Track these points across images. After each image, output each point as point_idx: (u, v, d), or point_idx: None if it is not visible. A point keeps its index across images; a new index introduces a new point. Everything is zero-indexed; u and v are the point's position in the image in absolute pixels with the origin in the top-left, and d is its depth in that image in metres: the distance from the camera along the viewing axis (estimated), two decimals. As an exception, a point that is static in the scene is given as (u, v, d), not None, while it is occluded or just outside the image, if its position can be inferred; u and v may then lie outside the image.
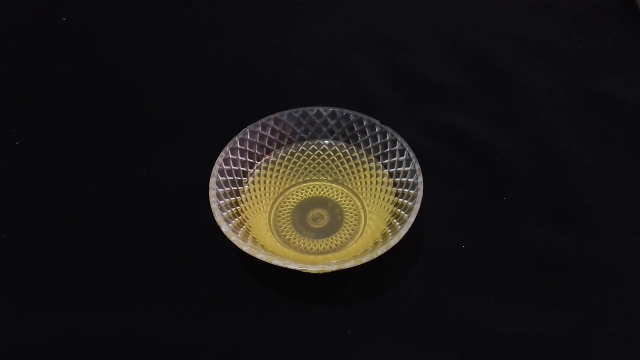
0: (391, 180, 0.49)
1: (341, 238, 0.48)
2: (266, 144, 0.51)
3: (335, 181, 0.51)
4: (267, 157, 0.51)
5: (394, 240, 0.43)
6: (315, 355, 0.43)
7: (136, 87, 0.60)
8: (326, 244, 0.48)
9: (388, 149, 0.49)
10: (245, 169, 0.49)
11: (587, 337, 0.44)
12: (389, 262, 0.45)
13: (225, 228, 0.43)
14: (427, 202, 0.47)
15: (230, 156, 0.48)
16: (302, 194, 0.51)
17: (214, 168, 0.47)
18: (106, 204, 0.51)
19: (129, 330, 0.44)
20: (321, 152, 0.52)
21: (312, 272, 0.44)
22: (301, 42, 0.64)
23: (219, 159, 0.47)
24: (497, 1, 0.68)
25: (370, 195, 0.50)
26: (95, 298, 0.46)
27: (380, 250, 0.42)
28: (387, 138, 0.49)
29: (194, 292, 0.46)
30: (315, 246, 0.48)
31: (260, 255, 0.42)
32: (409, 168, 0.47)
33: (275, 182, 0.51)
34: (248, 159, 0.50)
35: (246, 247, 0.42)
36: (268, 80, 0.60)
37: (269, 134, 0.51)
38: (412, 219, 0.44)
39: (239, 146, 0.49)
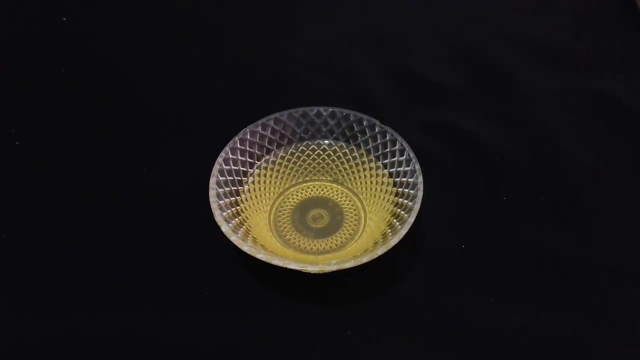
0: (391, 180, 0.49)
1: (341, 238, 0.48)
2: (266, 144, 0.51)
3: (335, 181, 0.51)
4: (267, 157, 0.51)
5: (394, 240, 0.43)
6: (315, 355, 0.43)
7: (136, 87, 0.60)
8: (326, 244, 0.48)
9: (388, 149, 0.49)
10: (245, 169, 0.49)
11: (587, 337, 0.44)
12: (389, 262, 0.45)
13: (225, 228, 0.43)
14: (427, 202, 0.47)
15: (230, 156, 0.48)
16: (302, 194, 0.51)
17: (214, 168, 0.47)
18: (106, 204, 0.51)
19: (128, 330, 0.44)
20: (321, 152, 0.52)
21: (312, 272, 0.44)
22: (301, 42, 0.64)
23: (219, 159, 0.47)
24: (497, 1, 0.68)
25: (370, 195, 0.50)
26: (94, 298, 0.46)
27: (380, 250, 0.42)
28: (387, 138, 0.49)
29: (193, 292, 0.46)
30: (315, 246, 0.48)
31: (260, 255, 0.42)
32: (409, 168, 0.47)
33: (275, 182, 0.51)
34: (248, 159, 0.50)
35: (246, 247, 0.43)
36: (268, 80, 0.60)
37: (269, 134, 0.51)
38: (412, 219, 0.44)
39: (239, 146, 0.49)
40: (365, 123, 0.50)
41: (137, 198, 0.51)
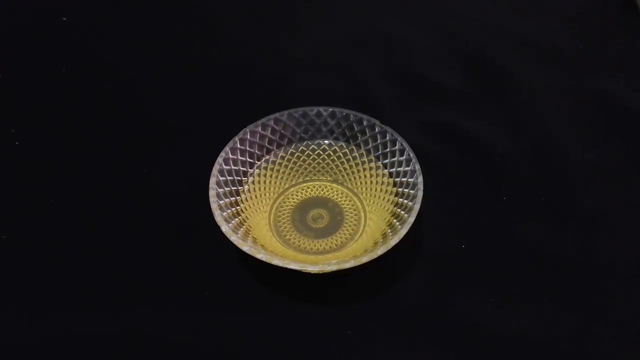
0: (391, 180, 0.49)
1: (341, 238, 0.48)
2: (266, 144, 0.51)
3: (335, 181, 0.51)
4: (267, 157, 0.51)
5: (394, 240, 0.43)
6: (315, 355, 0.43)
7: (136, 87, 0.60)
8: (326, 244, 0.48)
9: (388, 149, 0.49)
10: (245, 169, 0.49)
11: (587, 337, 0.44)
12: (389, 262, 0.45)
13: (225, 228, 0.43)
14: (427, 202, 0.47)
15: (230, 156, 0.48)
16: (302, 194, 0.51)
17: (214, 168, 0.47)
18: (106, 204, 0.51)
19: (128, 330, 0.44)
20: (321, 152, 0.52)
21: (312, 272, 0.44)
22: (301, 42, 0.64)
23: (219, 159, 0.47)
24: (497, 1, 0.68)
25: (370, 195, 0.50)
26: (94, 298, 0.46)
27: (380, 250, 0.42)
28: (387, 138, 0.49)
29: (193, 292, 0.46)
30: (315, 246, 0.48)
31: (260, 255, 0.42)
32: (409, 168, 0.47)
33: (275, 182, 0.51)
34: (248, 159, 0.50)
35: (246, 247, 0.43)
36: (268, 80, 0.60)
37: (269, 134, 0.51)
38: (412, 219, 0.44)
39: (239, 146, 0.49)
40: (365, 123, 0.50)
41: (137, 198, 0.51)
